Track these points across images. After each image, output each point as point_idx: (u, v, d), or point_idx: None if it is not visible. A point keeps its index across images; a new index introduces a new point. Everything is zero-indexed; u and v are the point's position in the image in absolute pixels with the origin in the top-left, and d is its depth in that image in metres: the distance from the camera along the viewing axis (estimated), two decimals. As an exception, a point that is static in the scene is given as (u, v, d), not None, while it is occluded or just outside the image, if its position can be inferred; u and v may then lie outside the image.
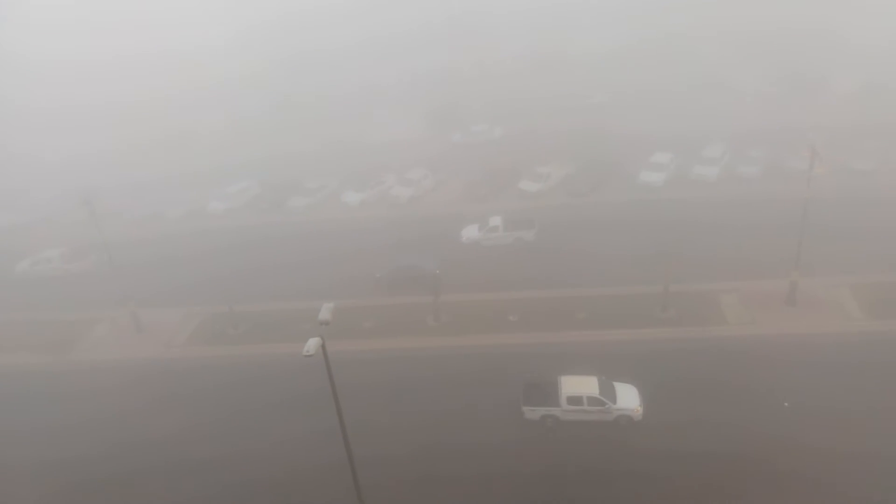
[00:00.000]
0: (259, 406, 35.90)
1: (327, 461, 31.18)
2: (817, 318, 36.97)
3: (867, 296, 38.17)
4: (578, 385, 31.80)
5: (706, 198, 51.43)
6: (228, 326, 43.05)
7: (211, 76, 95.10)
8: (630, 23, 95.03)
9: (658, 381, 33.67)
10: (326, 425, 32.23)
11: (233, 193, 61.65)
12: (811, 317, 37.10)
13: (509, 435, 31.85)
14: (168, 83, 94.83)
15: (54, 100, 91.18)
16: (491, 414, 33.28)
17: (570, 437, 31.33)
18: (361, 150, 70.41)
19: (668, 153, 55.99)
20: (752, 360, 34.45)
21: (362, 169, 63.70)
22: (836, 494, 26.93)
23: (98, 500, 31.36)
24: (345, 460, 24.39)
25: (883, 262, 40.92)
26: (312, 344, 21.10)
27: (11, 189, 70.64)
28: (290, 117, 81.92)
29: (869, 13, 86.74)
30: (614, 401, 31.34)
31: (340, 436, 23.84)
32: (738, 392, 32.46)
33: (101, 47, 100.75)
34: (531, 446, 31.12)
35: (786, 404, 31.41)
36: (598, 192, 54.87)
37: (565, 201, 54.31)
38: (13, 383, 40.64)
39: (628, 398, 31.66)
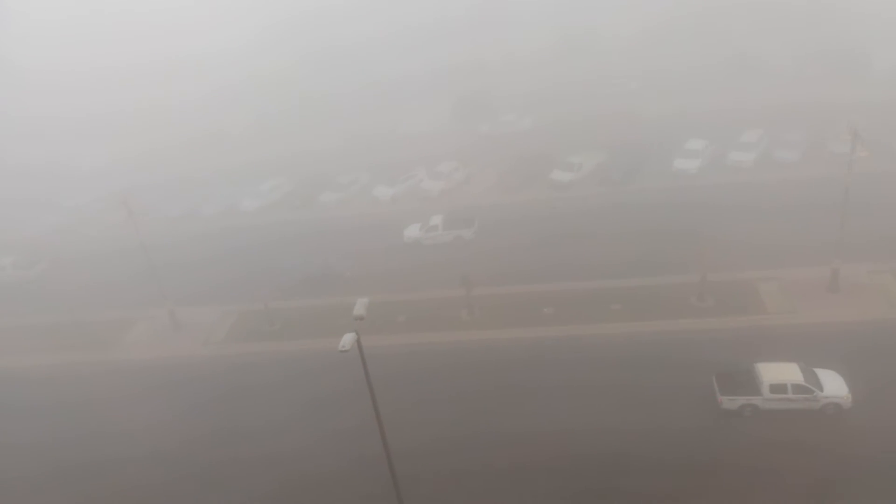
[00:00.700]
0: (297, 402, 36.21)
1: (366, 454, 31.37)
2: (861, 305, 35.96)
3: (913, 281, 37.07)
4: (780, 372, 30.36)
5: (742, 184, 50.35)
6: (264, 323, 43.48)
7: (237, 76, 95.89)
8: (659, 1, 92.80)
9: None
10: (361, 419, 32.45)
11: (265, 191, 62.21)
12: (855, 304, 36.10)
13: (559, 425, 31.73)
14: (194, 86, 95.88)
15: (83, 108, 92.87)
16: (538, 404, 33.09)
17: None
18: (390, 144, 70.44)
19: (703, 139, 54.89)
20: (792, 349, 33.66)
21: (391, 162, 63.72)
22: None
23: (158, 498, 32.05)
24: (383, 454, 24.47)
25: (929, 246, 39.69)
26: (348, 339, 21.15)
27: (49, 195, 72.11)
28: (318, 112, 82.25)
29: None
30: (821, 388, 29.92)
31: (377, 429, 23.88)
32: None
33: (126, 55, 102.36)
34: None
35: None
36: (631, 180, 54.12)
37: (597, 190, 53.68)
38: (62, 383, 41.68)
39: (835, 385, 30.09)
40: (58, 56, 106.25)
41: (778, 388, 29.92)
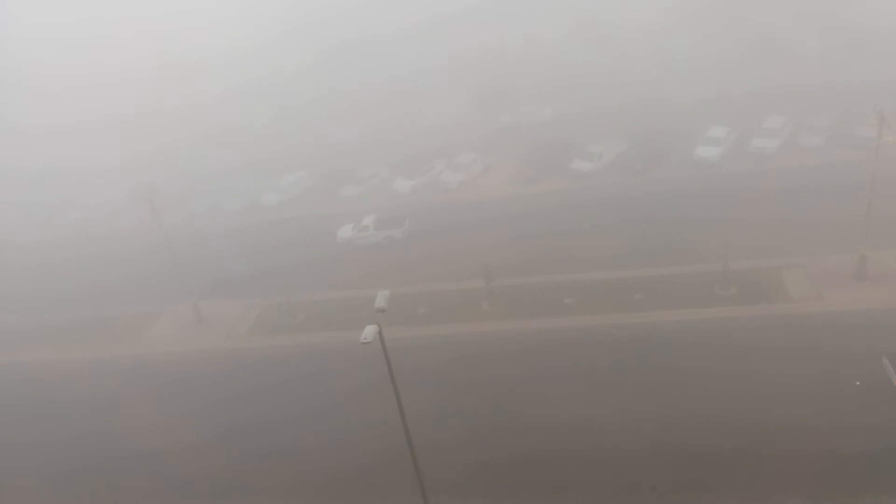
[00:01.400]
0: (321, 395, 36.48)
1: (394, 446, 31.51)
2: (889, 292, 35.29)
3: (943, 267, 36.36)
4: None
5: (766, 171, 49.65)
6: (287, 316, 43.83)
7: (257, 73, 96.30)
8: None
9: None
10: (386, 412, 32.57)
11: (286, 185, 62.60)
12: (883, 291, 35.44)
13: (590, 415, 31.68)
14: (214, 84, 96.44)
15: (103, 111, 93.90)
16: (564, 396, 33.04)
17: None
18: (409, 136, 70.45)
19: (725, 127, 54.20)
20: (820, 337, 33.21)
21: (411, 155, 63.75)
22: None
23: (187, 492, 32.52)
24: (416, 445, 24.67)
25: (960, 231, 38.83)
26: (370, 331, 21.27)
27: (73, 194, 73.12)
28: (338, 106, 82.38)
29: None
30: None
31: (401, 421, 24.03)
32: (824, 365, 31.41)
33: (145, 57, 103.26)
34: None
35: (857, 383, 30.21)
36: (652, 168, 53.62)
37: (618, 179, 53.27)
38: (88, 378, 42.37)
39: None
40: (75, 60, 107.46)
41: None
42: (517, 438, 31.21)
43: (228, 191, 64.77)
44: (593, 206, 49.49)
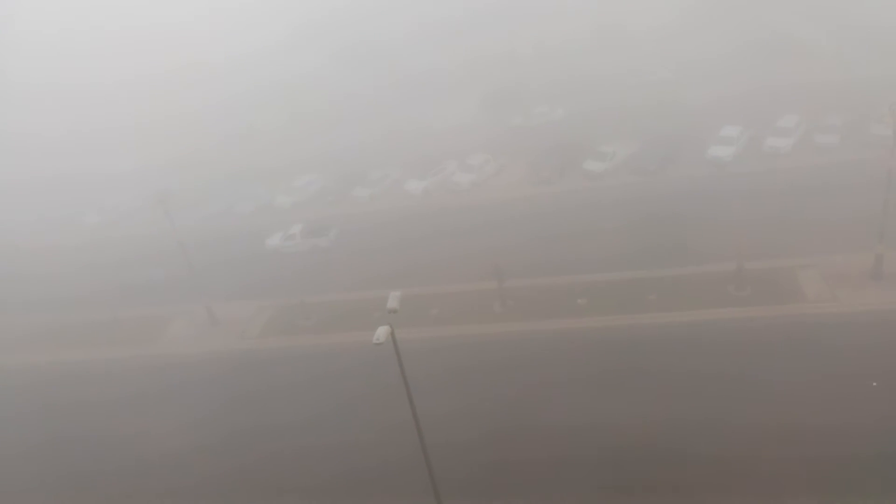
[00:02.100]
0: (334, 396, 36.59)
1: (407, 448, 31.56)
2: (906, 291, 34.99)
3: (961, 267, 35.88)
4: None
5: (780, 170, 49.20)
6: (300, 318, 44.00)
7: (269, 77, 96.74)
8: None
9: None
10: (399, 413, 32.59)
11: (298, 187, 62.84)
12: (900, 291, 35.13)
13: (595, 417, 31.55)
14: (226, 89, 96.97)
15: (115, 119, 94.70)
16: (578, 396, 32.98)
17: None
18: (421, 138, 70.47)
19: (738, 126, 53.81)
20: (836, 337, 32.91)
21: (423, 156, 63.81)
22: None
23: (207, 492, 32.75)
24: (428, 446, 24.67)
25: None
26: (382, 332, 21.32)
27: (92, 199, 73.75)
28: (350, 108, 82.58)
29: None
30: None
31: (413, 422, 24.06)
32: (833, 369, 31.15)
33: (156, 64, 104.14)
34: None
35: (874, 384, 29.91)
36: (665, 169, 53.36)
37: (631, 179, 53.05)
38: (105, 379, 42.77)
39: None
40: (90, 68, 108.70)
41: None
42: (530, 440, 31.20)
43: (241, 194, 65.09)
44: (606, 206, 49.32)
